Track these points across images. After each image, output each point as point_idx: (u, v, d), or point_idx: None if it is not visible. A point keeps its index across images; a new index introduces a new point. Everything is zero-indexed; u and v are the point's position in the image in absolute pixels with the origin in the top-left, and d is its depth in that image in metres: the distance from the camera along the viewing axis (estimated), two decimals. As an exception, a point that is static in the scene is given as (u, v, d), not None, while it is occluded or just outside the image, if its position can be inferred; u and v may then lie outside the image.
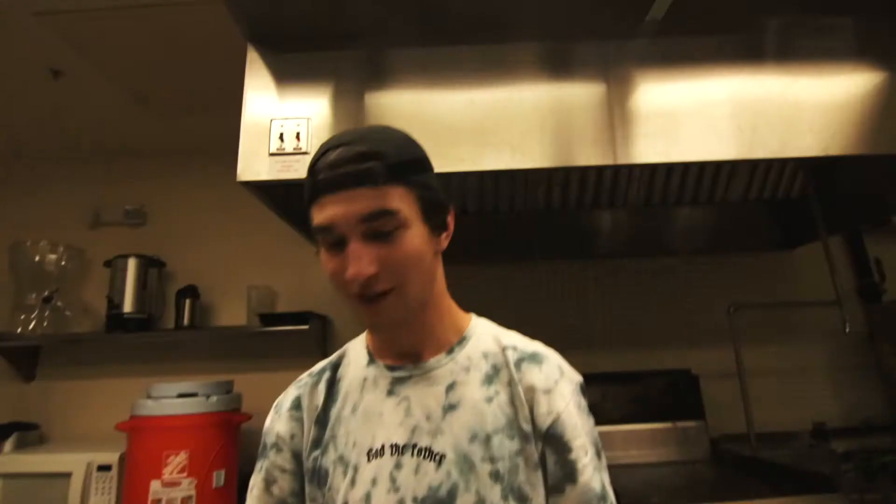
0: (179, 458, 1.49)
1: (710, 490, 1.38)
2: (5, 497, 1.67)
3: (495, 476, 0.54)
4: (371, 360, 0.65)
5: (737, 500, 1.19)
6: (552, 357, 0.63)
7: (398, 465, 0.56)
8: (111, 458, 1.65)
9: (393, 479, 0.56)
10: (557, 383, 0.59)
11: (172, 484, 1.47)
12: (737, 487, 1.34)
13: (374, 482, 0.56)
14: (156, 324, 2.05)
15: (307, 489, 0.62)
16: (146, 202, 2.26)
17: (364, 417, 0.61)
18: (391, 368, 0.62)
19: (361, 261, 0.52)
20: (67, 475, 1.65)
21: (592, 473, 0.57)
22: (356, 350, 0.68)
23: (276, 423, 0.67)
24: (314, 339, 1.95)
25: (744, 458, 1.60)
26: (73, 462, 1.66)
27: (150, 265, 2.06)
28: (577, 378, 0.62)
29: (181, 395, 1.55)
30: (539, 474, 0.56)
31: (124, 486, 1.57)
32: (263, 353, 2.04)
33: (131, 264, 2.00)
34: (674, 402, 1.80)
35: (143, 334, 1.97)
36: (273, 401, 2.01)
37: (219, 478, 1.55)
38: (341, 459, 0.59)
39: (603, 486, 0.58)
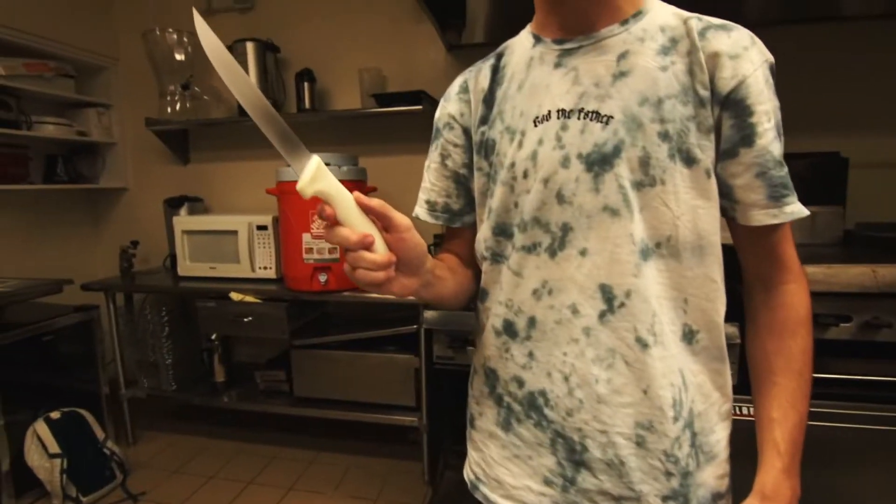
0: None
1: (838, 259, 1.34)
2: (191, 247, 2.07)
3: (664, 136, 0.53)
4: (537, 41, 0.62)
5: (875, 264, 1.14)
6: (743, 28, 0.55)
7: (564, 127, 0.57)
8: (266, 220, 1.94)
9: (559, 139, 0.57)
10: (747, 50, 0.53)
11: (320, 237, 1.71)
12: (871, 259, 1.28)
13: (539, 142, 0.58)
14: (280, 108, 2.18)
15: (475, 160, 0.66)
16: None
17: (531, 91, 0.60)
18: (559, 42, 0.59)
19: None
20: (234, 233, 1.98)
21: (772, 139, 0.54)
22: (519, 39, 0.66)
23: (447, 105, 0.70)
24: (427, 120, 1.97)
25: (883, 238, 1.50)
26: (237, 223, 1.97)
27: (266, 50, 2.10)
28: (770, 56, 0.55)
29: (316, 164, 1.70)
30: (711, 139, 0.54)
31: (281, 240, 1.87)
32: (378, 135, 2.13)
33: (250, 48, 2.06)
34: (813, 185, 1.64)
35: (271, 118, 2.11)
36: (391, 179, 2.13)
37: (356, 236, 1.77)
38: (508, 129, 0.61)
39: (782, 157, 0.55)
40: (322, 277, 1.76)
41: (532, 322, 0.60)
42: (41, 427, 1.78)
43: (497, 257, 0.64)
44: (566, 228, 0.57)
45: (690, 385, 0.57)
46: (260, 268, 1.98)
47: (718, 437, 0.60)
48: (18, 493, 1.77)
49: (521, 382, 0.61)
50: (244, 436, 2.19)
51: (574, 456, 0.58)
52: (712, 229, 0.56)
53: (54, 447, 1.76)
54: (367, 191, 1.86)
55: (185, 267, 2.08)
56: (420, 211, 0.73)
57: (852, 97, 1.73)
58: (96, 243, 2.58)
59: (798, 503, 0.56)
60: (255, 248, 1.97)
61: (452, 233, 0.75)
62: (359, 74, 2.02)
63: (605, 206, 0.55)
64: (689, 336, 0.57)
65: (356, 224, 0.50)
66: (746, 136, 0.53)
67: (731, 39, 0.53)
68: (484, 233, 0.65)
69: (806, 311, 0.58)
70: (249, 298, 1.89)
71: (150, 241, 2.40)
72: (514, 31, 0.69)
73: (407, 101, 1.88)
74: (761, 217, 0.55)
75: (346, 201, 0.50)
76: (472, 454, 0.71)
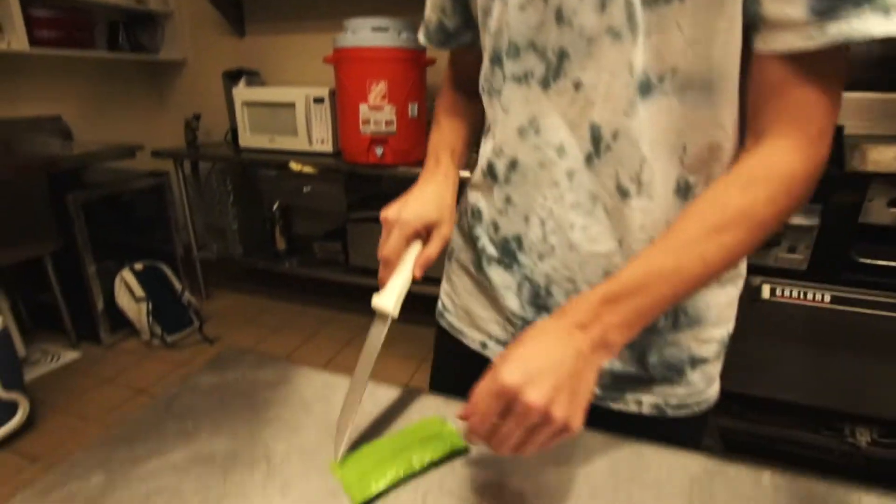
0: (380, 87, 1.69)
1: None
2: (251, 119, 2.12)
3: None
4: None
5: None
6: None
7: None
8: (323, 92, 1.94)
9: None
10: None
11: (377, 108, 1.71)
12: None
13: None
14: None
15: None
16: None
17: None
18: None
19: None
20: (291, 105, 2.00)
21: None
22: None
23: None
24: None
25: None
26: (294, 94, 1.99)
27: None
28: None
29: (375, 29, 1.66)
30: None
31: (338, 112, 1.88)
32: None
33: None
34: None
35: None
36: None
37: (412, 109, 1.76)
38: None
39: None
40: (378, 150, 1.78)
41: (513, 165, 0.54)
42: (127, 274, 2.00)
43: (492, 91, 0.55)
44: (562, 55, 0.47)
45: None
46: (317, 141, 2.02)
47: (709, 301, 0.53)
48: (113, 329, 2.03)
49: (496, 227, 0.58)
50: (303, 299, 2.39)
51: (538, 300, 0.56)
52: (729, 62, 0.43)
53: (140, 292, 1.99)
54: (427, 62, 1.80)
55: (246, 138, 2.15)
56: (419, 34, 0.66)
57: None
58: (161, 115, 2.68)
59: (605, 352, 0.41)
60: (313, 121, 1.99)
61: (454, 59, 0.68)
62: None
63: (609, 27, 0.44)
64: (684, 190, 0.48)
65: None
66: None
67: None
68: (484, 62, 0.56)
69: (782, 175, 0.42)
70: (308, 169, 1.95)
71: (211, 115, 2.47)
72: None
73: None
74: (790, 40, 0.38)
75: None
76: (444, 284, 0.71)
